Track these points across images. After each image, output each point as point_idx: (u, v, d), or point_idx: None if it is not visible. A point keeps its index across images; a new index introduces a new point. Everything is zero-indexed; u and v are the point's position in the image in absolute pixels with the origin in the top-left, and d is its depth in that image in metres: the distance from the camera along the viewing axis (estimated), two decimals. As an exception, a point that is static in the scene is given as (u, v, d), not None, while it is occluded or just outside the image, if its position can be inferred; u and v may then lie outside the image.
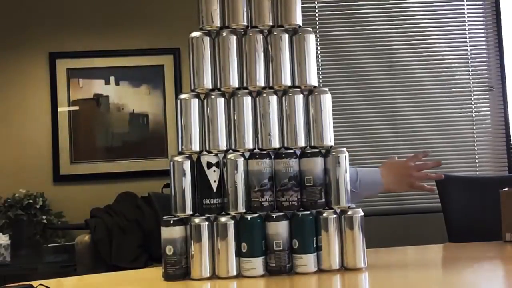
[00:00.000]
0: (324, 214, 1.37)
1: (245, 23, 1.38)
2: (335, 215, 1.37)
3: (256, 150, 1.36)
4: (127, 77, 3.82)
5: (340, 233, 1.37)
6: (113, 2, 3.85)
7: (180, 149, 1.36)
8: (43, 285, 1.26)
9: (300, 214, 1.37)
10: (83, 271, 2.91)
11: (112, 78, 3.82)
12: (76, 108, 3.76)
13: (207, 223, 1.33)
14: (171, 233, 1.34)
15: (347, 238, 1.37)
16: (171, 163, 1.35)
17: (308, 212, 1.37)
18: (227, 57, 1.37)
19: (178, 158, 1.35)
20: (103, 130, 3.73)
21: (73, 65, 3.81)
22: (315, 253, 1.36)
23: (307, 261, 1.35)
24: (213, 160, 1.35)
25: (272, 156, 1.36)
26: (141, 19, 3.82)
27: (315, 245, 1.36)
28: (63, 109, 3.75)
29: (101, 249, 3.08)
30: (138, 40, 3.79)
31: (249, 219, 1.33)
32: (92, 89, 3.81)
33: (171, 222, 1.34)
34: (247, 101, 1.36)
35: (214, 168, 1.35)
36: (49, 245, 3.27)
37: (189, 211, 1.34)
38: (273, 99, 1.36)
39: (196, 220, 1.33)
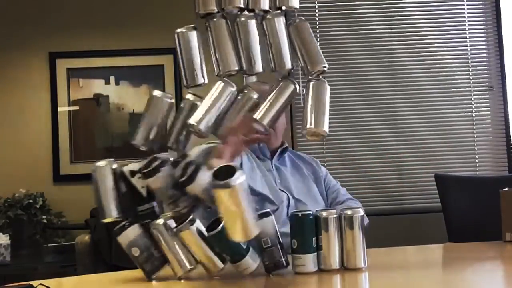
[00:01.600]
0: (324, 214, 1.37)
1: None
2: (335, 215, 1.38)
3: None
4: (127, 77, 3.82)
5: (340, 233, 1.37)
6: (113, 2, 3.85)
7: (185, 83, 1.39)
8: (43, 285, 1.26)
9: (300, 214, 1.37)
10: (83, 271, 2.90)
11: (112, 78, 3.82)
12: (76, 108, 3.76)
13: (168, 222, 1.33)
14: (128, 237, 1.34)
15: (347, 238, 1.37)
16: (93, 169, 1.33)
17: (309, 211, 1.38)
18: None
19: (101, 163, 1.34)
20: (103, 130, 3.73)
21: (73, 65, 3.81)
22: (315, 253, 1.36)
23: (306, 261, 1.35)
24: (136, 167, 1.34)
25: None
26: (141, 18, 3.82)
27: (314, 245, 1.36)
28: (63, 109, 3.75)
29: (101, 249, 3.08)
30: (138, 40, 3.79)
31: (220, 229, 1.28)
32: (92, 89, 3.81)
33: (124, 227, 1.34)
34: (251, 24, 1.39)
35: (138, 175, 1.34)
36: (49, 245, 3.27)
37: (115, 214, 1.32)
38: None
39: (159, 221, 1.33)
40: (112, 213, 1.32)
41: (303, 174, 2.02)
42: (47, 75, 3.78)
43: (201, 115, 1.36)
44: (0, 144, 3.74)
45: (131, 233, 1.35)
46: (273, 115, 1.40)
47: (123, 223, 1.35)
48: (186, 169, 1.27)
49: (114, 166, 1.32)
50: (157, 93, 1.38)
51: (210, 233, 1.28)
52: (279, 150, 2.01)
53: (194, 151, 1.87)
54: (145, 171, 1.29)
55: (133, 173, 1.35)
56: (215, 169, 1.22)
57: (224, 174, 1.19)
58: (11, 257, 3.12)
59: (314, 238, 1.36)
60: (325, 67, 1.40)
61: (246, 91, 1.38)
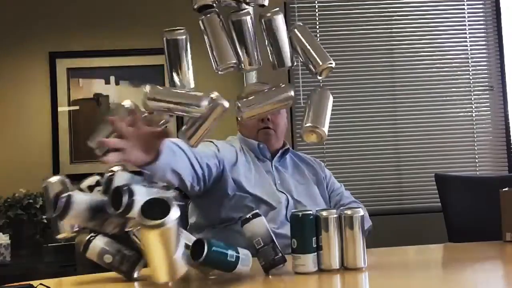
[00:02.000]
0: (324, 214, 1.37)
1: None
2: (335, 215, 1.38)
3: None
4: (127, 77, 3.83)
5: (340, 233, 1.37)
6: (113, 2, 3.85)
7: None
8: (43, 285, 1.26)
9: (300, 213, 1.37)
10: (83, 271, 2.90)
11: (112, 78, 3.82)
12: (76, 108, 3.77)
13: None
14: (96, 247, 1.34)
15: (347, 238, 1.37)
16: (44, 185, 1.30)
17: (309, 211, 1.38)
18: None
19: (52, 179, 1.32)
20: (103, 130, 3.73)
21: (73, 64, 3.82)
22: (315, 253, 1.36)
23: (306, 261, 1.34)
24: (93, 181, 1.32)
25: None
26: (141, 18, 3.82)
27: (314, 245, 1.36)
28: (63, 109, 3.75)
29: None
30: (138, 39, 3.79)
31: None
32: (92, 89, 3.81)
33: (89, 241, 1.34)
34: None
35: (97, 188, 1.32)
36: (49, 245, 3.27)
37: (69, 230, 1.31)
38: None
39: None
40: (65, 228, 1.30)
41: (304, 176, 2.02)
42: (47, 75, 3.79)
43: (161, 89, 1.34)
44: (0, 144, 3.74)
45: (99, 243, 1.34)
46: (254, 106, 1.36)
47: (88, 237, 1.34)
48: (117, 196, 1.18)
49: (67, 182, 1.30)
50: (126, 103, 1.36)
51: (194, 262, 1.22)
52: (280, 151, 2.01)
53: None
54: (56, 215, 1.22)
55: (91, 188, 1.32)
56: (143, 202, 1.10)
57: (154, 207, 1.08)
58: (11, 257, 3.12)
59: (314, 238, 1.35)
60: (332, 63, 1.39)
61: (215, 98, 1.32)
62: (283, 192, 1.89)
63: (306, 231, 1.35)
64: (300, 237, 1.35)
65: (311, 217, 1.36)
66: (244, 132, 2.01)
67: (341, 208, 1.45)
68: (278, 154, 2.00)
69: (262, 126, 1.96)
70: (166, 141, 1.39)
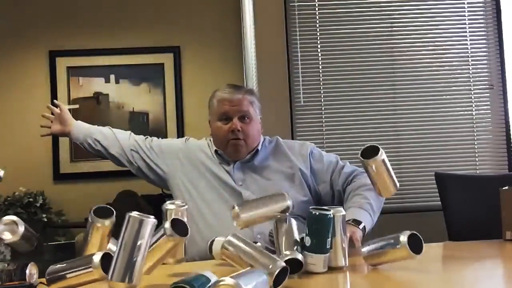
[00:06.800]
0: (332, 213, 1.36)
1: None
2: (342, 213, 1.38)
3: None
4: (127, 76, 3.83)
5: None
6: (113, 1, 3.85)
7: None
8: (43, 284, 1.26)
9: (317, 212, 1.33)
10: (83, 270, 2.90)
11: (112, 77, 3.82)
12: (76, 106, 3.77)
13: None
14: None
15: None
16: None
17: (328, 211, 1.36)
18: None
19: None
20: (103, 128, 3.73)
21: (73, 63, 3.82)
22: (327, 254, 1.34)
23: (318, 261, 1.32)
24: None
25: None
26: (141, 17, 3.82)
27: (328, 246, 1.33)
28: (63, 107, 3.75)
29: (101, 247, 3.08)
30: (138, 38, 3.79)
31: None
32: (92, 88, 3.81)
33: None
34: None
35: None
36: (49, 243, 3.27)
37: None
38: None
39: None
40: None
41: (274, 172, 1.99)
42: (47, 74, 3.79)
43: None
44: (0, 143, 3.74)
45: None
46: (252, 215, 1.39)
47: None
48: None
49: None
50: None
51: None
52: (249, 155, 1.99)
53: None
54: None
55: None
56: None
57: None
58: (11, 256, 3.12)
59: (328, 240, 1.33)
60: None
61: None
62: (241, 193, 1.91)
63: (324, 231, 1.32)
64: (316, 237, 1.32)
65: (330, 216, 1.33)
66: (216, 143, 2.02)
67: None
68: (246, 157, 1.98)
69: (232, 137, 1.95)
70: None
